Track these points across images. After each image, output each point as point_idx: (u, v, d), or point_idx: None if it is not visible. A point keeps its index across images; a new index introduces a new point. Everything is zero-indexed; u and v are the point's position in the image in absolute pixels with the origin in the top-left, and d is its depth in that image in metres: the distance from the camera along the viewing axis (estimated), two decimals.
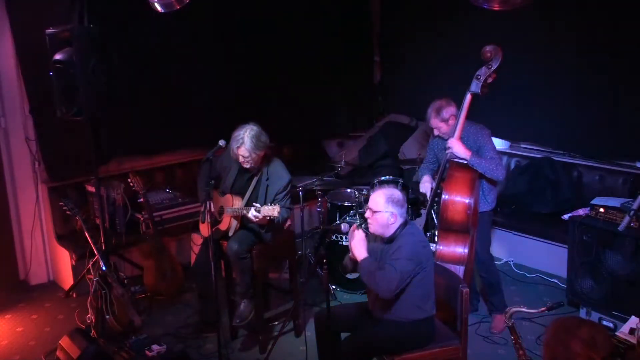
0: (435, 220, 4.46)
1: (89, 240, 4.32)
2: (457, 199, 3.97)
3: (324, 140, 6.99)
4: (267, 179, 4.07)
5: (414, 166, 5.40)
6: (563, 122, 5.24)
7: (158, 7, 3.72)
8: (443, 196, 4.00)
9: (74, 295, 5.00)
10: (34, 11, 4.72)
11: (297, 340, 4.30)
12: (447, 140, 4.08)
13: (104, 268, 4.21)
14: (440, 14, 6.04)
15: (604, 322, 4.14)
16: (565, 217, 4.59)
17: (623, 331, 3.30)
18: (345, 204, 5.11)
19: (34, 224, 5.21)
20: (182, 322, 4.59)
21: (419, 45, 6.38)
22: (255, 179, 4.09)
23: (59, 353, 3.88)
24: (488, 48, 3.88)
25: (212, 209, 3.92)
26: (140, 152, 5.59)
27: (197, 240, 5.09)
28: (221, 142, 3.80)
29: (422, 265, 3.16)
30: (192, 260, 5.19)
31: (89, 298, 4.37)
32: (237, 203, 4.02)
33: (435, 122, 4.16)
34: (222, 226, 4.12)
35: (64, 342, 3.85)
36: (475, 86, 3.95)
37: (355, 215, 4.95)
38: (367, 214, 3.28)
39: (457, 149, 4.00)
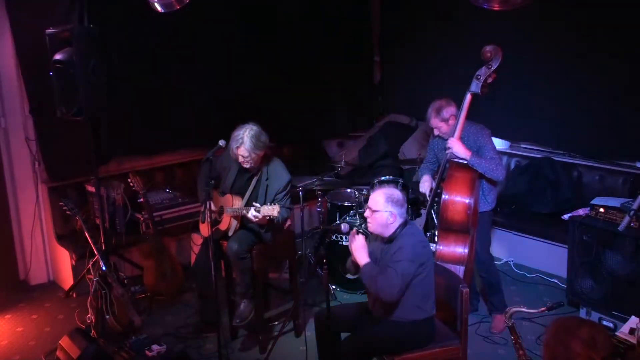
0: (435, 220, 4.46)
1: (89, 240, 4.32)
2: (457, 199, 3.97)
3: (324, 140, 6.98)
4: (267, 179, 4.07)
5: (414, 166, 5.40)
6: (563, 122, 5.24)
7: (158, 7, 3.73)
8: (443, 196, 4.00)
9: (74, 295, 5.00)
10: (34, 11, 4.72)
11: (297, 340, 4.30)
12: (447, 140, 4.08)
13: (104, 268, 4.22)
14: (440, 14, 6.05)
15: (604, 322, 4.14)
16: (565, 217, 4.58)
17: (623, 331, 3.30)
18: (345, 204, 5.11)
19: (34, 224, 5.21)
20: (182, 322, 4.59)
21: (419, 45, 6.38)
22: (255, 179, 4.09)
23: (59, 353, 3.88)
24: (488, 48, 3.88)
25: (213, 209, 3.92)
26: (140, 152, 5.59)
27: (197, 240, 5.09)
28: (221, 142, 3.80)
29: (422, 266, 3.16)
30: (192, 260, 5.19)
31: (89, 298, 4.37)
32: (237, 203, 4.02)
33: (435, 122, 4.16)
34: (222, 226, 4.12)
35: (64, 342, 3.85)
36: (475, 86, 3.95)
37: (355, 215, 4.95)
38: (367, 213, 3.28)
39: (457, 149, 4.00)
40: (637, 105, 4.74)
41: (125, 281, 4.40)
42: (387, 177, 5.11)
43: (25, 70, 4.87)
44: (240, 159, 3.95)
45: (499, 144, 5.72)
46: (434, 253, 3.94)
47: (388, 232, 3.24)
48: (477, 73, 3.94)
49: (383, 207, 3.19)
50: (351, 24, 6.78)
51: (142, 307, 4.70)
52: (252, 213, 3.79)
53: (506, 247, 5.55)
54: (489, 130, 4.17)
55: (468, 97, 3.97)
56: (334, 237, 4.88)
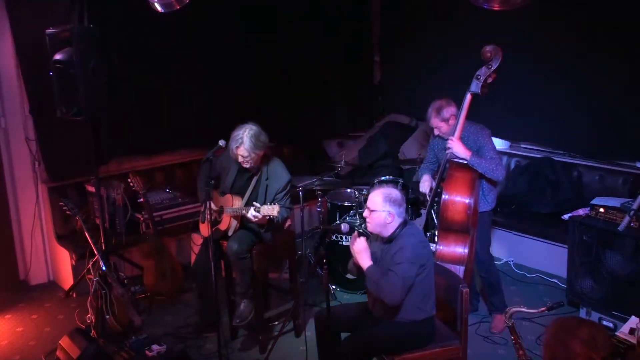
0: (435, 220, 4.46)
1: (89, 240, 4.32)
2: (457, 199, 3.97)
3: (324, 140, 6.98)
4: (267, 179, 4.07)
5: (414, 166, 5.40)
6: (563, 122, 5.24)
7: (158, 7, 3.72)
8: (443, 196, 4.00)
9: (74, 295, 5.00)
10: (34, 11, 4.72)
11: (297, 340, 4.30)
12: (447, 140, 4.08)
13: (104, 268, 4.22)
14: (440, 14, 6.05)
15: (604, 322, 4.14)
16: (565, 217, 4.58)
17: (623, 331, 3.30)
18: (345, 204, 5.11)
19: (34, 224, 5.21)
20: (182, 322, 4.59)
21: (419, 45, 6.38)
22: (254, 179, 4.09)
23: (59, 353, 3.88)
24: (488, 48, 3.88)
25: (213, 209, 3.92)
26: (140, 152, 5.59)
27: (197, 240, 5.09)
28: (221, 142, 3.80)
29: (423, 267, 3.16)
30: (192, 260, 5.19)
31: (89, 298, 4.37)
32: (237, 203, 4.02)
33: (435, 121, 4.16)
34: (222, 226, 4.12)
35: (64, 342, 3.85)
36: (475, 86, 3.95)
37: (355, 215, 4.95)
38: (365, 213, 3.29)
39: (457, 149, 4.00)
40: (637, 105, 4.74)
41: (125, 281, 4.40)
42: (387, 177, 5.12)
43: (25, 70, 4.87)
44: (240, 159, 3.95)
45: (499, 144, 5.72)
46: (434, 253, 3.94)
47: (387, 232, 3.24)
48: (477, 73, 3.94)
49: (381, 207, 3.19)
50: (351, 24, 6.78)
51: (142, 307, 4.70)
52: (251, 213, 3.79)
53: (506, 247, 5.55)
54: (489, 130, 4.17)
55: (468, 97, 3.97)
56: (334, 237, 4.88)
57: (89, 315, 4.38)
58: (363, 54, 7.01)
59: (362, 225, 3.31)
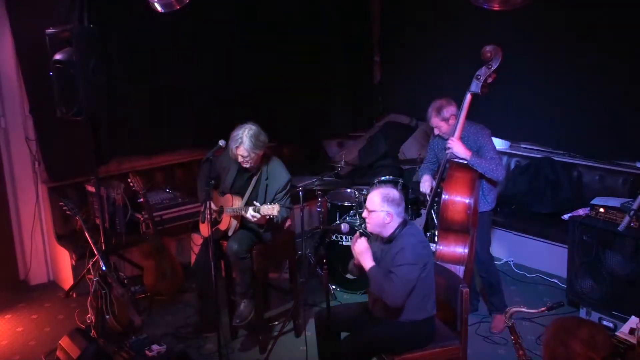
0: (435, 220, 4.46)
1: (89, 240, 4.32)
2: (457, 199, 3.97)
3: (324, 140, 6.99)
4: (267, 179, 4.07)
5: (414, 166, 5.40)
6: (563, 122, 5.24)
7: (158, 7, 3.72)
8: (443, 196, 4.00)
9: (74, 295, 5.00)
10: (34, 11, 4.72)
11: (297, 340, 4.30)
12: (447, 140, 4.08)
13: (104, 268, 4.22)
14: (440, 14, 6.05)
15: (604, 322, 4.14)
16: (565, 217, 4.58)
17: (623, 331, 3.30)
18: (345, 204, 5.11)
19: (34, 224, 5.21)
20: (182, 322, 4.59)
21: (419, 45, 6.38)
22: (254, 179, 4.09)
23: (59, 353, 3.88)
24: (488, 48, 3.88)
25: (212, 209, 3.92)
26: (140, 152, 5.59)
27: (197, 240, 5.09)
28: (221, 142, 3.80)
29: (424, 267, 3.16)
30: (192, 260, 5.19)
31: (89, 298, 4.37)
32: (237, 203, 4.02)
33: (435, 121, 4.16)
34: (222, 226, 4.12)
35: (64, 342, 3.85)
36: (475, 86, 3.95)
37: (355, 215, 4.95)
38: (364, 214, 3.28)
39: (458, 149, 4.00)
40: (637, 105, 4.74)
41: (125, 281, 4.40)
42: (387, 177, 5.13)
43: (25, 70, 4.87)
44: (240, 159, 3.95)
45: (499, 144, 5.72)
46: (434, 253, 3.94)
47: (387, 232, 3.24)
48: (477, 73, 3.94)
49: (379, 207, 3.19)
50: (351, 24, 6.78)
51: (142, 307, 4.70)
52: (250, 213, 3.79)
53: (506, 247, 5.55)
54: (489, 131, 4.17)
55: (468, 97, 3.97)
56: (334, 237, 4.88)
57: (89, 315, 4.38)
58: (363, 54, 7.01)
59: (362, 226, 3.31)
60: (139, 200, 4.84)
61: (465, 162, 4.01)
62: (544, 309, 2.84)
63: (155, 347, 3.74)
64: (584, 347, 2.17)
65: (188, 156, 5.91)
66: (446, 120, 4.13)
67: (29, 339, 4.41)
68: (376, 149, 6.51)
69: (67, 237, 5.13)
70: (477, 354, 4.03)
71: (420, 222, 4.77)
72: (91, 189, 4.92)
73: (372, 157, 6.49)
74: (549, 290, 5.00)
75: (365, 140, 6.70)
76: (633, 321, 3.29)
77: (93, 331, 4.18)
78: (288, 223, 4.48)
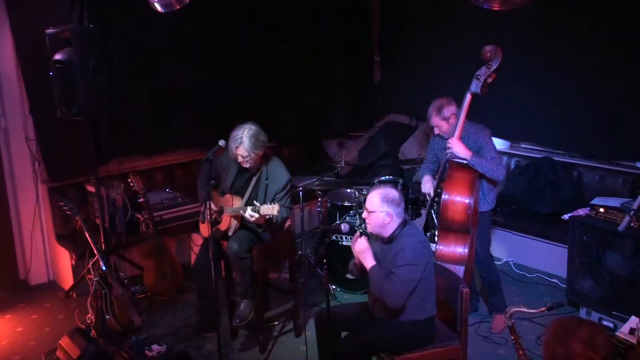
0: (435, 220, 4.46)
1: (89, 240, 4.32)
2: (457, 199, 3.97)
3: (324, 140, 6.99)
4: (267, 179, 4.07)
5: (414, 166, 5.40)
6: (563, 122, 5.24)
7: (158, 7, 3.72)
8: (443, 196, 4.00)
9: (74, 295, 5.00)
10: (34, 11, 4.72)
11: (297, 340, 4.30)
12: (447, 139, 4.08)
13: (104, 268, 4.22)
14: (440, 14, 6.05)
15: (604, 322, 4.14)
16: (565, 217, 4.58)
17: (623, 331, 3.30)
18: (345, 204, 5.11)
19: (34, 224, 5.21)
20: (182, 322, 4.60)
21: (419, 45, 6.38)
22: (254, 179, 4.09)
23: (59, 353, 3.88)
24: (488, 48, 3.88)
25: (213, 209, 3.92)
26: (140, 152, 5.59)
27: (197, 240, 5.09)
28: (221, 142, 3.80)
29: (424, 267, 3.16)
30: (192, 260, 5.19)
31: (89, 298, 4.37)
32: (237, 203, 4.02)
33: (436, 120, 4.16)
34: (222, 226, 4.12)
35: (64, 342, 3.85)
36: (475, 86, 3.95)
37: (355, 215, 4.95)
38: (364, 214, 3.28)
39: (458, 149, 4.00)
40: (637, 105, 4.74)
41: (125, 281, 4.40)
42: (387, 177, 5.13)
43: (25, 70, 4.87)
44: (240, 159, 3.95)
45: (499, 144, 5.72)
46: (433, 253, 3.94)
47: (387, 232, 3.23)
48: (477, 73, 3.94)
49: (379, 208, 3.19)
50: (351, 24, 6.78)
51: (142, 307, 4.70)
52: (249, 212, 3.79)
53: (506, 247, 5.55)
54: (489, 131, 4.17)
55: (468, 97, 3.97)
56: (334, 237, 4.88)
57: (89, 315, 4.38)
58: (363, 54, 7.01)
59: (362, 226, 3.31)
60: (139, 200, 4.84)
61: (465, 162, 4.01)
62: (544, 309, 2.84)
63: (155, 347, 3.74)
64: (584, 347, 2.17)
65: (188, 156, 5.91)
66: (446, 119, 4.13)
67: (29, 339, 4.41)
68: (376, 149, 6.51)
69: (67, 237, 5.13)
70: (477, 354, 4.03)
71: (420, 222, 4.77)
72: (91, 189, 4.92)
73: (372, 157, 6.50)
74: (549, 290, 5.00)
75: (365, 140, 6.70)
76: (633, 321, 3.29)
77: (93, 331, 4.18)
78: (288, 223, 4.48)
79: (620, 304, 4.04)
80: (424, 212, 4.67)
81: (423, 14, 6.28)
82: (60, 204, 4.69)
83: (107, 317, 4.18)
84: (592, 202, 4.37)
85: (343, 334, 3.41)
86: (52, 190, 5.15)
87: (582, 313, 4.34)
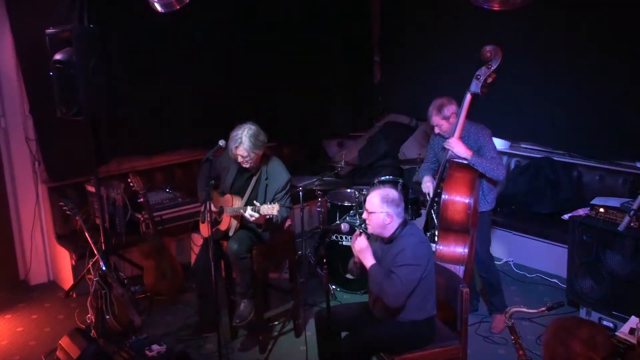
0: (435, 220, 4.46)
1: (89, 240, 4.32)
2: (457, 199, 3.97)
3: (324, 140, 6.99)
4: (267, 178, 4.07)
5: (414, 166, 5.40)
6: (563, 122, 5.25)
7: (158, 7, 3.72)
8: (443, 196, 4.00)
9: (74, 295, 5.00)
10: (34, 11, 4.71)
11: (297, 340, 4.29)
12: (447, 138, 4.08)
13: (104, 268, 4.22)
14: (440, 14, 6.05)
15: (604, 322, 4.14)
16: (565, 217, 4.58)
17: (623, 331, 3.30)
18: (345, 204, 5.11)
19: (34, 224, 5.21)
20: (182, 322, 4.60)
21: (419, 45, 6.38)
22: (254, 179, 4.09)
23: (59, 353, 3.88)
24: (488, 48, 3.88)
25: (213, 209, 3.92)
26: (140, 152, 5.59)
27: (197, 240, 5.09)
28: (221, 142, 3.80)
29: (425, 267, 3.16)
30: (192, 260, 5.19)
31: (89, 298, 4.37)
32: (237, 203, 4.02)
33: (436, 119, 4.16)
34: (222, 226, 4.12)
35: (64, 342, 3.85)
36: (475, 86, 3.95)
37: (355, 215, 4.95)
38: (364, 215, 3.28)
39: (458, 148, 4.00)
40: (637, 105, 4.74)
41: (125, 281, 4.40)
42: (387, 177, 5.13)
43: (25, 70, 4.87)
44: (240, 159, 3.95)
45: (499, 144, 5.72)
46: (433, 253, 3.94)
47: (387, 233, 3.23)
48: (477, 73, 3.94)
49: (379, 208, 3.19)
50: (351, 24, 6.78)
51: (142, 307, 4.70)
52: (248, 212, 3.79)
53: (506, 247, 5.55)
54: (489, 130, 4.17)
55: (468, 97, 3.97)
56: (334, 237, 4.88)
57: (89, 315, 4.38)
58: (363, 54, 7.01)
59: (362, 225, 3.31)
60: (139, 200, 4.84)
61: (465, 162, 4.01)
62: (544, 309, 2.83)
63: (155, 347, 3.74)
64: (584, 347, 2.17)
65: (188, 156, 5.91)
66: (447, 118, 4.13)
67: (29, 339, 4.41)
68: (376, 149, 6.51)
69: (67, 237, 5.13)
70: (477, 354, 4.03)
71: (420, 222, 4.77)
72: (91, 189, 4.92)
73: (372, 157, 6.50)
74: (549, 290, 5.00)
75: (365, 140, 6.70)
76: (633, 321, 3.29)
77: (93, 331, 4.18)
78: (288, 223, 4.48)
79: (620, 304, 4.04)
80: (424, 212, 4.66)
81: (423, 14, 6.29)
82: (60, 204, 4.69)
83: (107, 317, 4.18)
84: (592, 202, 4.38)
85: (343, 334, 3.41)
86: (52, 190, 5.15)
87: (582, 313, 4.34)
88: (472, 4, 3.20)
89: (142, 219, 4.89)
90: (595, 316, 4.23)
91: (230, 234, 4.07)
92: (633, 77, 4.74)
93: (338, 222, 4.99)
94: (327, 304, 3.32)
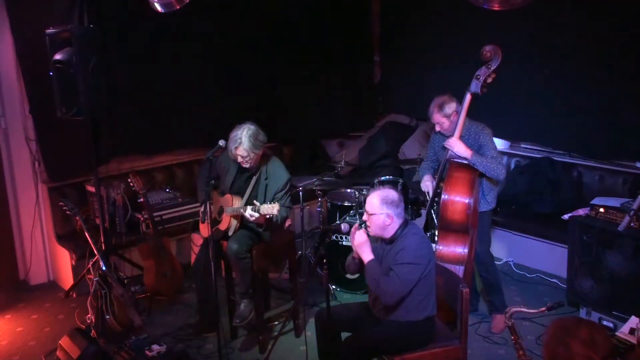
0: (435, 220, 4.46)
1: (89, 240, 4.32)
2: (457, 199, 3.97)
3: (324, 140, 6.99)
4: (266, 178, 4.07)
5: (414, 166, 5.40)
6: (563, 122, 5.24)
7: (158, 7, 3.72)
8: (443, 196, 4.00)
9: (74, 295, 5.00)
10: (34, 11, 4.71)
11: (297, 340, 4.30)
12: (448, 137, 4.08)
13: (104, 268, 4.21)
14: (440, 14, 6.05)
15: (604, 322, 4.14)
16: (565, 217, 4.59)
17: (623, 331, 3.30)
18: (345, 204, 5.11)
19: (34, 224, 5.21)
20: (182, 322, 4.60)
21: (418, 45, 6.38)
22: (254, 179, 4.09)
23: (59, 353, 3.88)
24: (488, 48, 3.89)
25: (213, 209, 3.92)
26: (140, 152, 5.59)
27: (197, 240, 5.09)
28: (221, 142, 3.79)
29: (425, 267, 3.16)
30: (192, 260, 5.19)
31: (89, 298, 4.37)
32: (237, 203, 4.02)
33: (437, 117, 4.16)
34: (222, 226, 4.12)
35: (64, 342, 3.85)
36: (474, 86, 3.95)
37: (355, 215, 4.95)
38: (365, 217, 3.27)
39: (458, 148, 3.99)
40: (637, 105, 4.74)
41: (125, 281, 4.40)
42: (387, 177, 5.13)
43: (25, 70, 4.87)
44: (239, 159, 3.95)
45: (499, 143, 5.72)
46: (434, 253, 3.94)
47: (388, 234, 3.23)
48: (477, 73, 3.94)
49: (379, 210, 3.18)
50: (351, 24, 6.78)
51: (142, 307, 4.70)
52: (248, 212, 3.79)
53: (506, 247, 5.55)
54: (490, 130, 4.17)
55: (468, 97, 3.97)
56: (334, 237, 4.88)
57: (89, 315, 4.38)
58: (363, 54, 7.01)
59: (363, 226, 3.31)
60: (139, 200, 4.85)
61: (465, 162, 4.01)
62: (544, 309, 2.84)
63: (155, 347, 3.74)
64: (583, 347, 2.17)
65: (188, 156, 5.91)
66: (448, 116, 4.13)
67: (29, 339, 4.41)
68: (376, 149, 6.51)
69: (67, 237, 5.14)
70: (477, 354, 4.03)
71: (420, 222, 4.77)
72: (91, 189, 4.92)
73: (372, 157, 6.50)
74: (549, 290, 5.00)
75: (366, 140, 6.70)
76: (633, 321, 3.29)
77: (93, 331, 4.18)
78: (288, 223, 4.48)
79: (620, 304, 4.04)
80: (424, 212, 4.66)
81: (423, 14, 6.29)
82: (60, 204, 4.69)
83: (107, 317, 4.18)
84: (592, 202, 4.38)
85: (343, 334, 3.41)
86: (52, 190, 5.15)
87: (582, 313, 4.34)
88: (472, 4, 3.20)
89: (142, 219, 4.89)
90: (595, 316, 4.23)
91: (230, 233, 4.07)
92: (633, 77, 4.74)
93: (338, 222, 4.99)
94: (327, 304, 3.32)
